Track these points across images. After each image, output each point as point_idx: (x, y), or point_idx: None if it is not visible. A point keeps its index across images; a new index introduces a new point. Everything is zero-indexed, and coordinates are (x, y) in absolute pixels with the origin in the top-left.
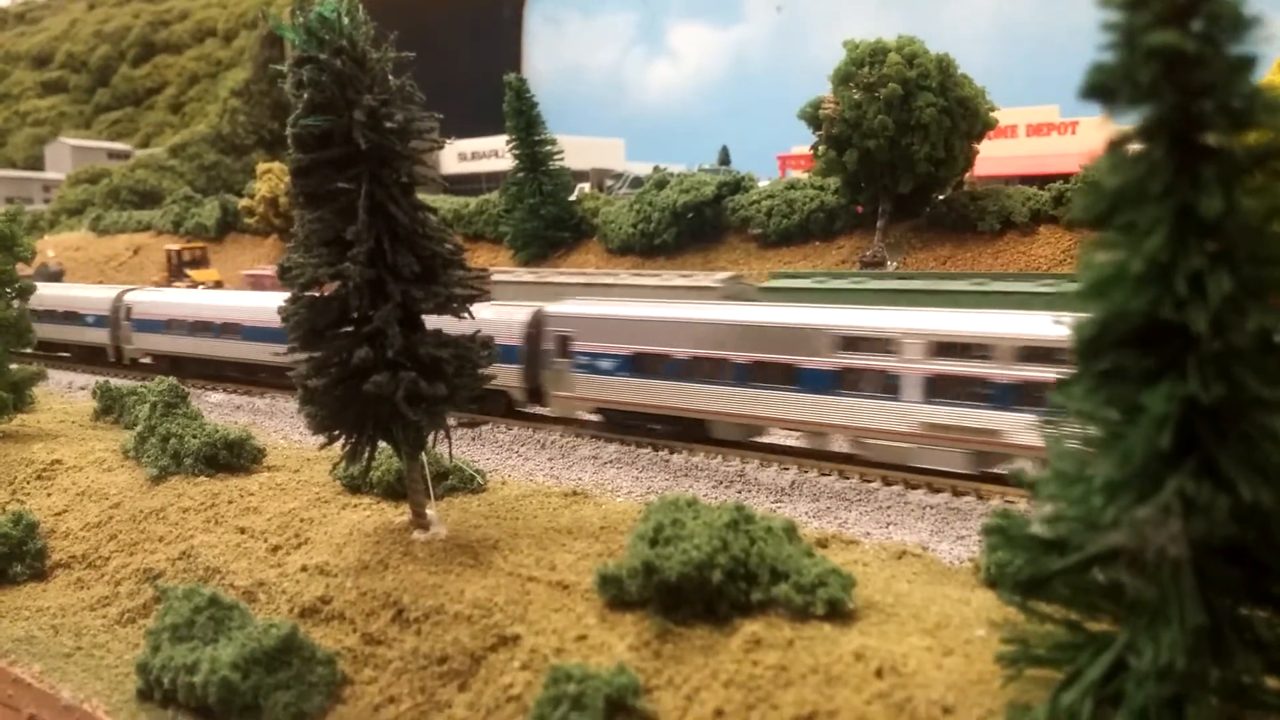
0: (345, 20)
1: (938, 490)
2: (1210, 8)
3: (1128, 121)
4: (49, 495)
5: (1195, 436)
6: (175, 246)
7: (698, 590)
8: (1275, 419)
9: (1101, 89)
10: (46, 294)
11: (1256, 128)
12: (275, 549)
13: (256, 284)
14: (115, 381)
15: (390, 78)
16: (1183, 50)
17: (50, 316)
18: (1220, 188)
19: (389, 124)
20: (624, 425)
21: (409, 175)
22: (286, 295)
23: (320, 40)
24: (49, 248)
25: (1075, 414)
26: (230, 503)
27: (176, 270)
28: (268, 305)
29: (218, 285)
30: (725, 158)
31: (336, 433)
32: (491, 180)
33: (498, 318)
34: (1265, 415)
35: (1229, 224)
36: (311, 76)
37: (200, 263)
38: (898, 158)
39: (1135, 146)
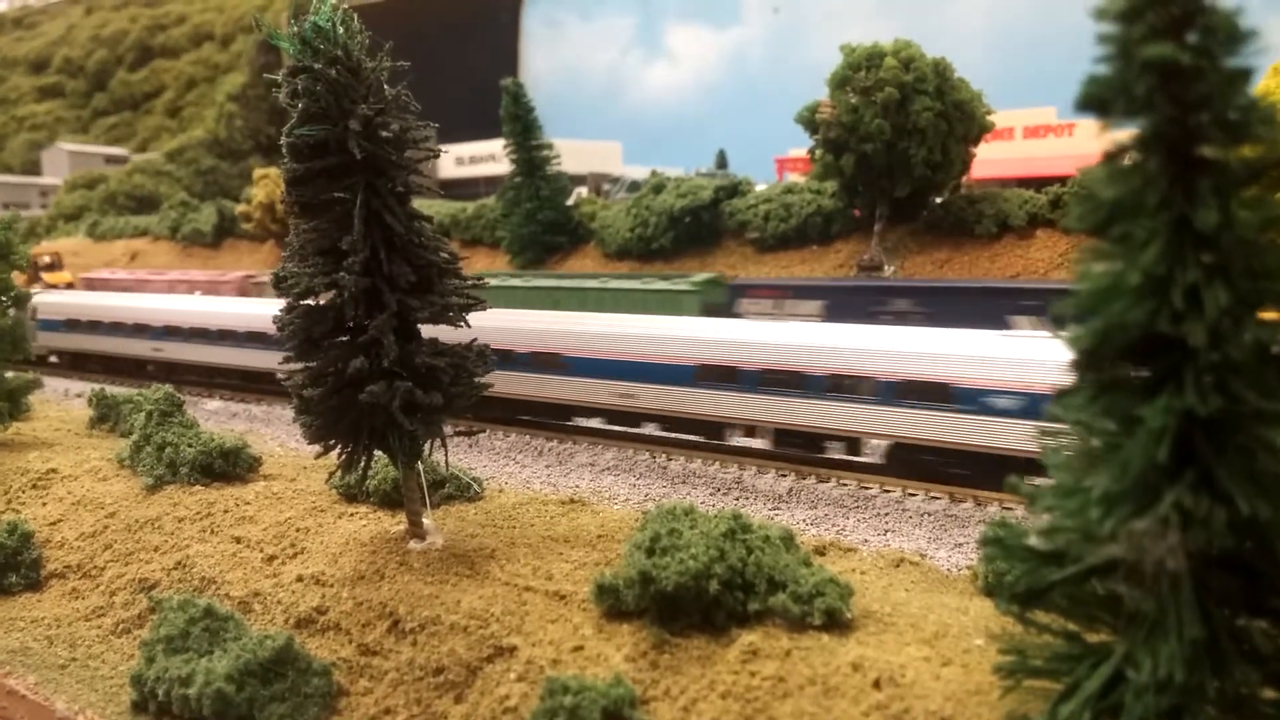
0: (340, 29)
1: (935, 497)
2: (1206, 20)
3: (1124, 131)
4: (44, 504)
5: (1193, 449)
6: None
7: (695, 600)
8: (1273, 431)
9: (1097, 101)
10: (257, 312)
11: (1253, 140)
12: (271, 559)
13: (96, 289)
14: (111, 389)
15: (385, 87)
16: (1178, 62)
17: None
18: (1217, 200)
19: (384, 133)
20: None
21: (405, 184)
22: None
23: (315, 50)
24: (45, 254)
25: (1073, 425)
26: (226, 512)
27: (33, 274)
28: (633, 332)
29: (69, 287)
30: (722, 161)
31: (332, 442)
32: (489, 184)
33: None
34: (1263, 428)
35: (1225, 237)
36: (306, 86)
37: (55, 266)
38: (895, 161)
39: (1131, 157)
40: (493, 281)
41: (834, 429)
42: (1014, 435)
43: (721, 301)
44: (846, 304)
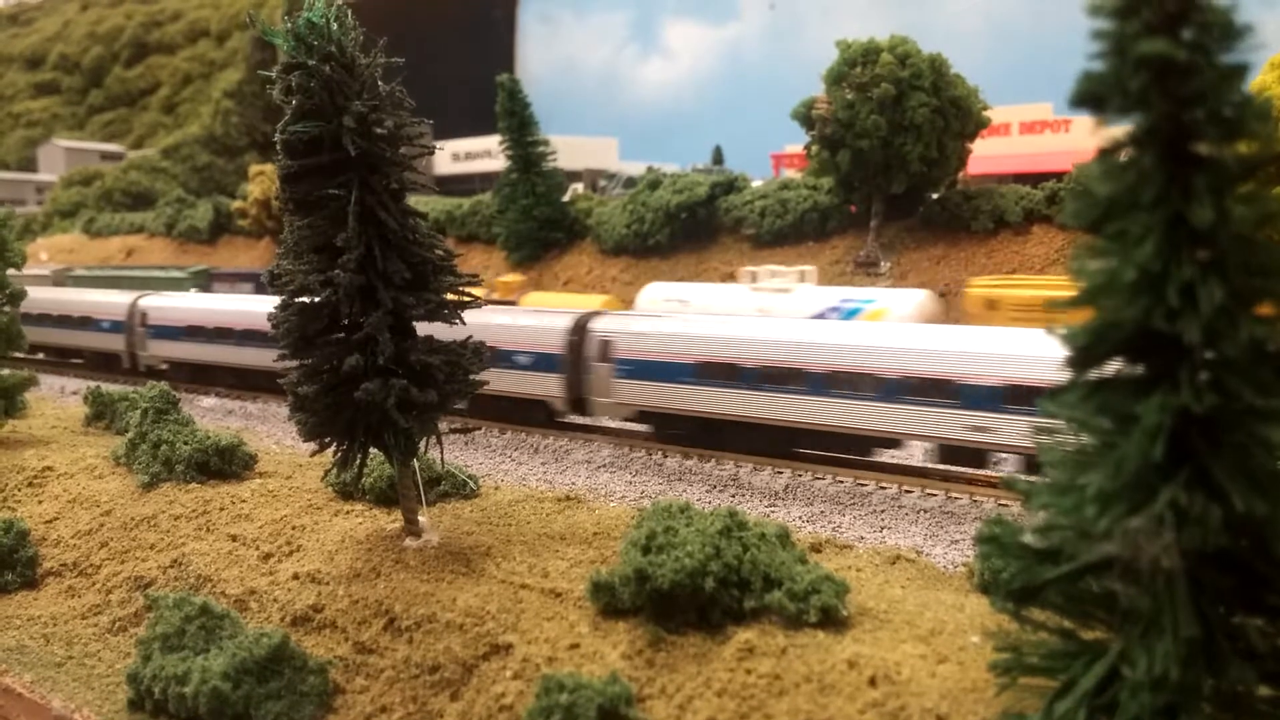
0: (334, 26)
1: (931, 493)
2: (1201, 16)
3: (1119, 128)
4: (40, 502)
5: (1188, 446)
6: None
7: (691, 598)
8: (1268, 428)
9: (1092, 97)
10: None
11: (1248, 136)
12: (267, 557)
13: None
14: (107, 387)
15: (380, 83)
16: (1173, 59)
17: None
18: (1211, 197)
19: (379, 130)
20: None
21: (399, 181)
22: None
23: (309, 46)
24: (41, 250)
25: (1068, 422)
26: (222, 510)
27: None
28: None
29: None
30: (718, 157)
31: (327, 440)
32: (485, 181)
33: None
34: (1258, 425)
35: (1220, 233)
36: (300, 83)
37: None
38: (891, 158)
39: (1127, 153)
40: (79, 271)
41: None
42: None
43: (203, 285)
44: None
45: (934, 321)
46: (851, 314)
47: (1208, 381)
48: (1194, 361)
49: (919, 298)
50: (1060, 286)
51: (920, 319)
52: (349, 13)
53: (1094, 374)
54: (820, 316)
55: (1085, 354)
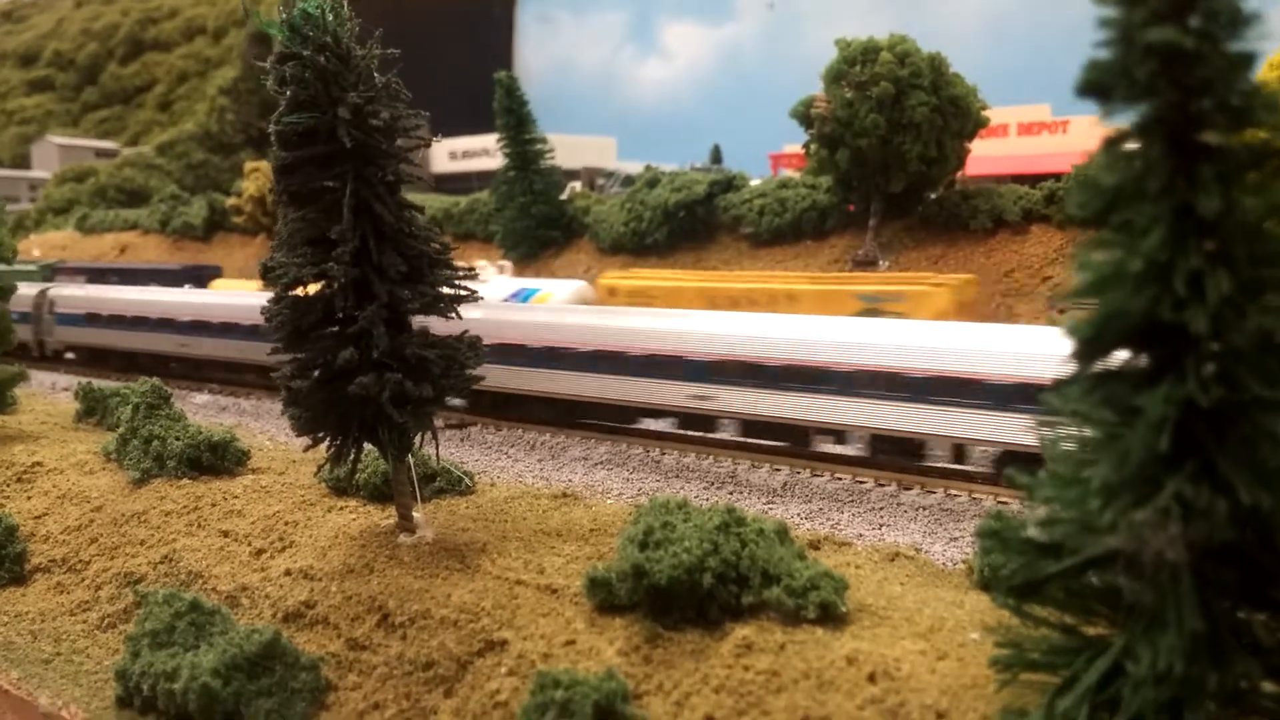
0: (330, 16)
1: (930, 491)
2: (1208, 4)
3: (1124, 119)
4: (29, 498)
5: (1194, 438)
6: None
7: (688, 594)
8: (1275, 421)
9: (1098, 86)
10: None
11: (1255, 125)
12: (259, 553)
13: None
14: (98, 383)
15: (375, 75)
16: (1181, 47)
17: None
18: (1219, 186)
19: (374, 122)
20: None
21: (395, 173)
22: None
23: (304, 36)
24: (34, 247)
25: (1072, 415)
26: (213, 506)
27: None
28: None
29: None
30: (717, 156)
31: (321, 435)
32: (482, 179)
33: None
34: (1265, 417)
35: (1228, 223)
36: (294, 73)
37: None
38: (890, 157)
39: (1132, 144)
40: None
41: None
42: None
43: (49, 278)
44: (97, 278)
45: (587, 304)
46: (527, 297)
47: (1214, 373)
48: (1200, 353)
49: (576, 285)
50: (663, 278)
51: (577, 303)
52: (345, 4)
53: (1099, 366)
54: (505, 301)
55: (1090, 346)
